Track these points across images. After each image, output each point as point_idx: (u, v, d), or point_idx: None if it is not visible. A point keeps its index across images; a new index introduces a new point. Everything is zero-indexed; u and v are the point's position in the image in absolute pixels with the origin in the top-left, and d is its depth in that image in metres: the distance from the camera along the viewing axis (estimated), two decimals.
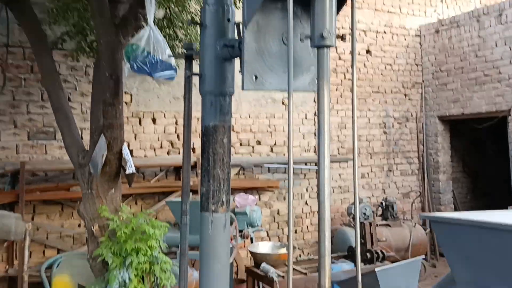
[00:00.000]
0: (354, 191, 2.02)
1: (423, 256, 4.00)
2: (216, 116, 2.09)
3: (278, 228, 9.36)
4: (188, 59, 2.27)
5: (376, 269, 2.92)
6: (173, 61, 3.58)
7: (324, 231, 1.67)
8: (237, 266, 8.50)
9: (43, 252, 7.17)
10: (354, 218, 8.64)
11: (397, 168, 10.38)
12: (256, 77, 1.88)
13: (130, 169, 3.40)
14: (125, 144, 3.63)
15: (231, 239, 6.88)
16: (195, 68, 2.24)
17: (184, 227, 2.26)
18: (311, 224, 9.52)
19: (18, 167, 6.58)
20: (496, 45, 9.23)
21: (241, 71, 1.88)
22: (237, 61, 2.07)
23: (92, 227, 3.52)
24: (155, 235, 3.50)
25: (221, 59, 2.07)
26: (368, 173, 10.08)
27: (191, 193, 7.59)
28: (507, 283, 1.69)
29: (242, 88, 1.90)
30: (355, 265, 2.06)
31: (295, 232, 9.43)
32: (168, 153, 8.09)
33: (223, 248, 2.03)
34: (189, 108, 2.28)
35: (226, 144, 2.12)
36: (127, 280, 3.35)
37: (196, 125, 5.46)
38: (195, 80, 2.22)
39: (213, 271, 2.00)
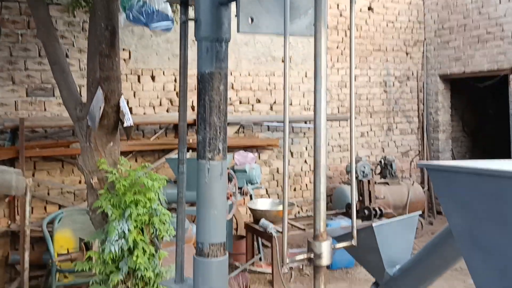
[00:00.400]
0: (351, 148, 2.02)
1: (420, 212, 4.02)
2: (212, 62, 2.07)
3: (277, 186, 9.43)
4: (184, 4, 2.22)
5: (373, 224, 2.93)
6: (169, 12, 3.52)
7: (319, 175, 1.67)
8: (236, 223, 8.62)
9: (45, 208, 7.25)
10: None
11: (396, 127, 10.37)
12: (252, 20, 1.85)
13: (128, 122, 3.40)
14: (123, 97, 3.61)
15: (230, 196, 6.94)
16: (191, 14, 2.20)
17: (181, 176, 2.27)
18: (310, 182, 9.58)
19: (17, 123, 6.58)
20: (500, 2, 9.07)
21: (237, 13, 1.84)
22: (234, 7, 2.03)
23: (91, 180, 3.54)
24: (154, 187, 3.52)
25: (217, 4, 2.03)
26: (367, 132, 10.08)
27: (190, 151, 7.61)
28: (503, 231, 1.70)
29: (238, 31, 1.86)
30: (351, 220, 2.07)
31: (294, 190, 9.50)
32: (167, 110, 8.07)
33: (220, 195, 2.05)
34: (185, 54, 2.26)
35: (222, 91, 2.10)
36: (126, 231, 3.40)
37: (195, 83, 5.43)
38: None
39: (209, 217, 2.02)
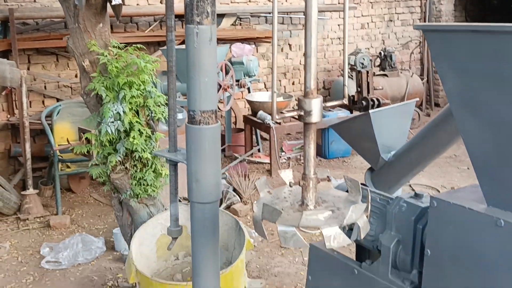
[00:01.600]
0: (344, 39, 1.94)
1: (417, 99, 3.99)
2: None
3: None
4: None
5: (370, 111, 2.91)
6: None
7: (310, 30, 1.62)
8: (235, 116, 8.68)
9: (43, 102, 7.25)
10: (351, 69, 8.56)
11: (398, 18, 10.08)
12: None
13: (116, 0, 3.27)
14: None
15: (228, 88, 6.91)
16: None
17: (170, 44, 2.21)
18: None
19: (7, 14, 6.38)
20: None
21: None
22: None
23: (82, 63, 3.48)
24: (147, 68, 3.47)
25: None
26: (368, 24, 9.82)
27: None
28: (498, 90, 1.67)
29: None
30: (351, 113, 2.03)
31: (293, 84, 9.45)
32: (161, 1, 7.79)
33: (210, 62, 2.00)
34: None
35: None
36: (121, 113, 3.40)
37: None
38: None
39: (200, 84, 1.99)
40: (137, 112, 3.55)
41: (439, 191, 6.27)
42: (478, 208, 1.99)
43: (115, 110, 3.37)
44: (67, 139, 5.59)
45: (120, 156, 3.53)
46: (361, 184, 2.94)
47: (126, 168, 3.62)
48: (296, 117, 1.66)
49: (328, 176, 1.74)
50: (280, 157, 7.50)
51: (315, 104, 1.65)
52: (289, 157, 7.81)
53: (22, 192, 6.02)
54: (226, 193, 6.02)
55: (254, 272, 4.50)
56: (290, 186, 1.69)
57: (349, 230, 2.26)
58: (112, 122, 3.39)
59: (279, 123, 7.29)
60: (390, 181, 3.21)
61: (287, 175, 1.85)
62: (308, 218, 1.59)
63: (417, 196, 2.48)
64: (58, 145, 5.81)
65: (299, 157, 7.76)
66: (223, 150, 8.10)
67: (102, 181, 3.76)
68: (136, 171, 3.63)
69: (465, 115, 1.92)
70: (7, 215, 5.91)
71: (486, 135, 1.90)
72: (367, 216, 1.71)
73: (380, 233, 2.52)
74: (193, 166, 2.08)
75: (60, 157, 6.05)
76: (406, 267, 2.42)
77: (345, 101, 1.77)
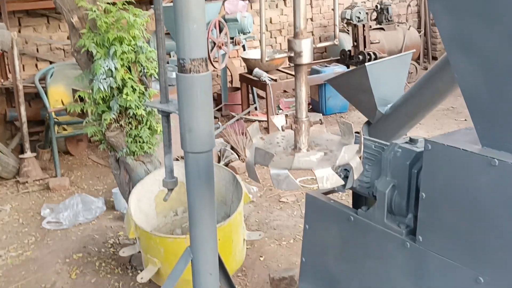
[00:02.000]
0: None
1: (414, 50, 3.94)
2: None
3: (271, 37, 9.24)
4: None
5: (366, 64, 2.87)
6: None
7: None
8: (231, 75, 8.60)
9: (36, 66, 7.18)
10: (347, 23, 8.42)
11: None
12: None
13: None
14: None
15: (222, 45, 6.82)
16: None
17: None
18: None
19: None
20: None
21: None
22: None
23: (71, 19, 3.41)
24: (136, 23, 3.40)
25: None
26: None
27: None
28: (492, 30, 1.65)
29: None
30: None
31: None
32: None
33: (197, 7, 1.95)
34: None
35: None
36: (113, 69, 3.35)
37: None
38: None
39: (188, 31, 1.95)
40: (129, 68, 3.51)
41: None
42: (472, 149, 1.99)
43: (107, 66, 3.32)
44: (62, 101, 5.55)
45: (114, 114, 3.51)
46: (356, 132, 2.95)
47: (121, 125, 3.60)
48: (292, 73, 1.62)
49: (320, 119, 1.73)
50: (277, 114, 7.46)
51: (305, 45, 1.62)
52: (287, 115, 7.78)
53: (20, 156, 6.02)
54: (224, 151, 6.03)
55: (254, 226, 4.55)
56: (282, 130, 1.67)
57: (344, 178, 2.26)
58: (104, 79, 3.35)
59: (275, 80, 7.23)
60: (387, 134, 3.20)
61: (279, 120, 1.84)
62: (301, 160, 1.58)
63: (412, 141, 2.47)
64: (53, 107, 5.78)
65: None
66: (220, 110, 8.07)
67: (98, 140, 3.75)
68: (131, 129, 3.62)
69: (459, 55, 1.90)
70: (6, 179, 5.94)
71: (480, 74, 1.89)
72: (360, 158, 1.70)
73: (375, 179, 2.53)
74: (185, 116, 2.07)
75: (56, 120, 6.02)
76: (402, 212, 2.44)
77: (336, 42, 1.73)
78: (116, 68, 3.37)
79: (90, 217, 4.91)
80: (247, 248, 4.12)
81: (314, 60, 8.36)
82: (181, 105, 2.07)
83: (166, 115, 2.20)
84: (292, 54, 1.62)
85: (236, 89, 8.21)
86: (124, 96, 3.42)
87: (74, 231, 4.73)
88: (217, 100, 8.50)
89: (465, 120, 6.78)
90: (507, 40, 1.68)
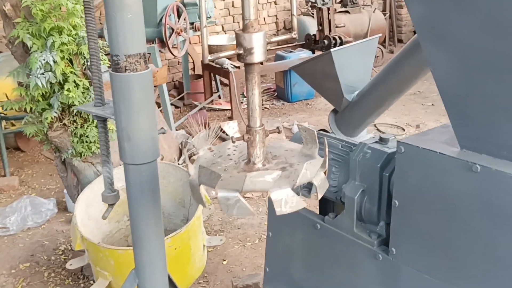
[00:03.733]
0: None
1: (380, 34, 3.72)
2: None
3: (233, 21, 8.90)
4: None
5: (332, 50, 2.65)
6: None
7: None
8: (193, 62, 8.26)
9: None
10: (312, 6, 8.15)
11: None
12: None
13: None
14: None
15: (181, 31, 6.47)
16: None
17: None
18: (267, 15, 9.10)
19: None
20: None
21: None
22: None
23: (3, 7, 3.04)
24: (77, 10, 3.05)
25: None
26: None
27: None
28: (466, 16, 1.43)
29: None
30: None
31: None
32: None
33: None
34: None
35: None
36: (51, 63, 3.00)
37: None
38: None
39: (122, 22, 1.64)
40: (71, 61, 3.16)
41: (404, 130, 6.12)
42: (450, 152, 1.77)
43: (44, 59, 2.97)
44: (6, 94, 5.13)
45: (56, 112, 3.16)
46: (321, 130, 2.70)
47: (64, 124, 3.26)
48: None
49: (278, 127, 1.46)
50: (242, 102, 7.18)
51: (257, 40, 1.34)
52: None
53: None
54: (185, 144, 5.72)
55: (216, 226, 4.28)
56: (233, 142, 1.40)
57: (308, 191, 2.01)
58: (42, 73, 3.00)
59: (238, 67, 6.93)
60: (355, 122, 3.02)
61: (231, 127, 1.56)
62: (254, 180, 1.31)
63: (382, 140, 2.24)
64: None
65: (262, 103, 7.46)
66: (181, 99, 7.74)
67: (40, 140, 3.40)
68: (76, 128, 3.28)
69: (433, 45, 1.68)
70: None
71: (456, 66, 1.67)
72: (325, 173, 1.44)
73: (343, 183, 2.30)
74: (123, 122, 1.77)
75: (3, 115, 5.59)
76: (373, 219, 2.22)
77: (294, 35, 1.45)
78: (55, 61, 3.02)
79: (40, 221, 4.55)
80: (209, 251, 3.86)
81: (277, 46, 8.05)
82: (117, 109, 1.77)
83: (101, 120, 1.89)
84: (241, 51, 1.34)
85: (199, 76, 7.88)
86: (66, 92, 3.08)
87: (22, 237, 4.37)
88: (178, 88, 8.16)
89: (432, 104, 6.64)
90: (484, 28, 1.45)
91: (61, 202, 4.85)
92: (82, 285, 3.61)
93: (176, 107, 7.54)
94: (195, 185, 1.39)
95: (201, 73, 7.76)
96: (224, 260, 3.82)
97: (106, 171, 1.97)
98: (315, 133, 1.48)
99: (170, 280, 2.13)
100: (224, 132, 5.28)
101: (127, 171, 1.83)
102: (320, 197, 1.40)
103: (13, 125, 5.95)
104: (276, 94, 7.67)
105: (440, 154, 1.80)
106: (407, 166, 1.95)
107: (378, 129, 6.20)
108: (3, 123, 5.75)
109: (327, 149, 1.42)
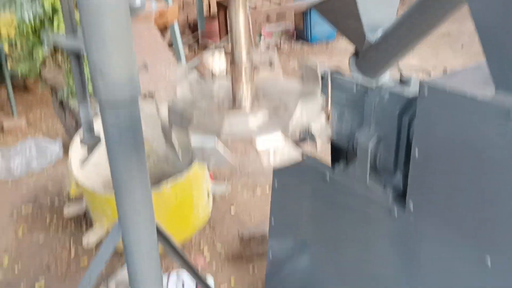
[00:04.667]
0: None
1: None
2: None
3: None
4: None
5: None
6: None
7: None
8: (209, 3, 7.89)
9: None
10: None
11: None
12: None
13: None
14: None
15: None
16: None
17: None
18: None
19: None
20: None
21: None
22: None
23: None
24: None
25: None
26: None
27: None
28: None
29: None
30: None
31: None
32: None
33: None
34: None
35: None
36: None
37: None
38: None
39: None
40: None
41: (429, 75, 5.73)
42: (482, 96, 1.48)
43: None
44: (6, 30, 4.87)
45: (47, 49, 2.91)
46: (335, 71, 2.39)
47: (58, 63, 3.01)
48: None
49: (270, 61, 1.18)
50: (258, 46, 6.83)
51: None
52: (269, 44, 7.14)
53: None
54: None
55: (225, 172, 4.07)
56: (212, 76, 1.13)
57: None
58: (30, 4, 2.72)
59: (255, 8, 6.55)
60: (377, 64, 2.72)
61: (214, 60, 1.29)
62: (234, 124, 1.05)
63: (403, 82, 1.95)
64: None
65: (279, 44, 7.10)
66: (196, 39, 7.42)
67: (34, 80, 3.17)
68: (69, 66, 3.02)
69: None
70: None
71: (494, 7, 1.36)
72: (328, 116, 1.17)
73: (357, 129, 2.03)
74: (94, 54, 1.50)
75: (6, 53, 5.36)
76: (388, 169, 1.96)
77: None
78: None
79: (44, 164, 4.41)
80: (216, 199, 3.67)
81: None
82: (86, 38, 1.50)
83: (75, 54, 1.63)
84: None
85: (214, 17, 7.51)
86: (56, 27, 2.80)
87: (26, 181, 4.24)
88: (193, 29, 7.82)
89: (462, 46, 6.19)
90: None
91: (67, 144, 4.69)
92: (84, 230, 3.47)
93: (189, 46, 7.23)
94: (166, 127, 1.13)
95: (216, 13, 7.40)
96: (232, 208, 3.63)
97: (83, 112, 1.73)
98: (317, 70, 1.21)
99: (159, 231, 1.93)
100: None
101: (103, 112, 1.58)
102: (319, 147, 1.14)
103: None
104: (295, 35, 7.28)
105: (470, 98, 1.52)
106: (430, 112, 1.67)
107: (401, 73, 5.82)
108: (9, 63, 5.54)
109: (330, 86, 1.14)
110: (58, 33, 2.82)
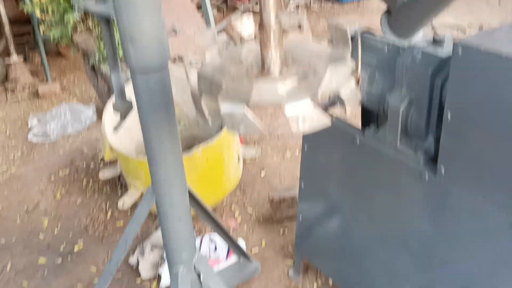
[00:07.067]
0: None
1: None
2: None
3: None
4: None
5: None
6: None
7: None
8: None
9: None
10: None
11: None
12: None
13: None
14: None
15: None
16: None
17: None
18: None
19: None
20: None
21: None
22: None
23: None
24: None
25: None
26: None
27: None
28: None
29: None
30: None
31: None
32: None
33: None
34: None
35: None
36: None
37: None
38: None
39: None
40: None
41: (465, 33, 5.54)
42: None
43: None
44: None
45: (77, 14, 2.93)
46: (366, 32, 2.34)
47: (89, 28, 3.03)
48: None
49: (299, 23, 1.17)
50: (287, 5, 6.71)
51: None
52: (298, 5, 7.01)
53: (6, 61, 5.53)
54: None
55: (255, 136, 4.09)
56: (241, 40, 1.13)
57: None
58: None
59: None
60: (410, 23, 2.64)
61: (242, 23, 1.28)
62: (263, 91, 1.05)
63: (436, 42, 1.90)
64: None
65: (308, 3, 6.95)
66: (225, 1, 7.32)
67: (66, 44, 3.22)
68: (101, 31, 3.05)
69: None
70: None
71: None
72: (358, 80, 1.16)
73: (388, 91, 2.00)
74: (124, 20, 1.52)
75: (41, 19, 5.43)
76: (420, 133, 1.93)
77: None
78: None
79: (79, 128, 4.51)
80: (247, 162, 3.71)
81: None
82: (115, 3, 1.51)
83: (104, 19, 1.64)
84: None
85: None
86: None
87: (62, 144, 4.35)
88: None
89: (499, 3, 5.95)
90: None
91: (101, 109, 4.77)
92: (120, 193, 3.57)
93: (218, 8, 7.16)
94: (196, 94, 1.14)
95: None
96: (262, 171, 3.67)
97: (115, 78, 1.76)
98: (347, 32, 1.18)
99: (191, 195, 1.98)
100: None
101: (134, 78, 1.61)
102: (349, 112, 1.13)
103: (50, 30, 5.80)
104: None
105: (506, 58, 1.47)
106: (464, 73, 1.62)
107: (435, 32, 5.65)
108: (42, 28, 5.60)
109: (360, 50, 1.13)
110: None
